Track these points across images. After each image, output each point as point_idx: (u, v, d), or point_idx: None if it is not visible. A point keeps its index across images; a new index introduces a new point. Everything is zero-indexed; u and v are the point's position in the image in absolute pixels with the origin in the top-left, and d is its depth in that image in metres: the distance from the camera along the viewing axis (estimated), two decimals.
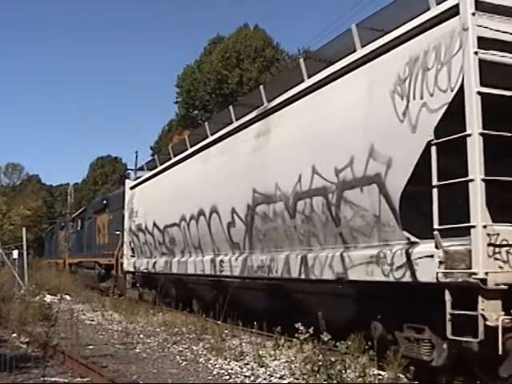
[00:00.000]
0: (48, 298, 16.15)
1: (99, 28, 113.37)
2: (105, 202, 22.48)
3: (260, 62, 41.19)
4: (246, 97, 14.22)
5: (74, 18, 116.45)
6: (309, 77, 8.51)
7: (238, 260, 10.18)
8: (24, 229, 22.41)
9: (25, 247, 21.37)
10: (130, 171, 47.12)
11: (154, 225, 14.78)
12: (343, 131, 7.27)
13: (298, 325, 6.36)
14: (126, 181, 18.69)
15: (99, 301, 16.63)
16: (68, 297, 18.79)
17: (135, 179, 18.70)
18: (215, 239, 11.27)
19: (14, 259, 22.04)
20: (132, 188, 17.78)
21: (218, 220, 10.94)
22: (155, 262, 15.00)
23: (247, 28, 43.78)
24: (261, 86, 10.41)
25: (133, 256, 17.18)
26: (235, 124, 10.89)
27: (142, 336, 10.66)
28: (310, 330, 6.29)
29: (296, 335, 6.39)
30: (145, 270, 15.89)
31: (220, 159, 11.31)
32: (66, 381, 6.99)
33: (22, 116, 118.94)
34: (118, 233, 18.32)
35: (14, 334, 10.69)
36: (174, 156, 14.50)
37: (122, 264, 18.03)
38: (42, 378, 6.76)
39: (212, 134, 12.05)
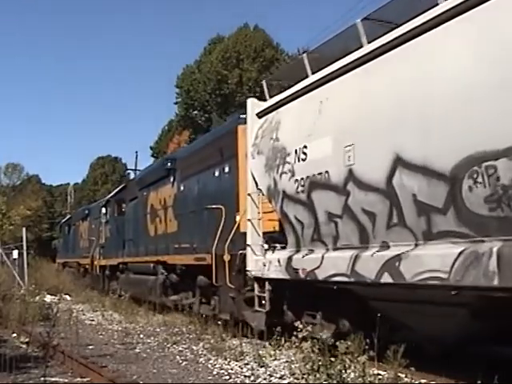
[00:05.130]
0: (48, 298, 16.16)
1: (99, 28, 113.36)
2: (169, 164, 14.05)
3: (260, 62, 41.18)
4: None
5: (73, 18, 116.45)
6: None
7: None
8: (24, 229, 22.40)
9: (25, 247, 21.37)
10: (129, 171, 47.39)
11: (400, 166, 6.12)
12: None
13: (298, 323, 6.35)
14: (249, 101, 9.86)
15: (99, 301, 16.65)
16: (68, 297, 18.82)
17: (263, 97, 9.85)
18: None
19: (14, 259, 22.04)
20: (264, 114, 9.40)
21: None
22: (398, 259, 6.13)
23: (247, 28, 43.79)
24: None
25: (272, 248, 8.88)
26: None
27: (142, 336, 10.67)
28: (309, 328, 6.27)
29: (294, 333, 6.39)
30: (341, 278, 7.02)
31: None
32: (66, 381, 7.01)
33: (22, 116, 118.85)
34: (216, 206, 10.63)
35: (14, 334, 10.70)
36: None
37: (228, 264, 9.86)
38: (42, 378, 6.77)
39: None
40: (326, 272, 7.31)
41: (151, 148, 51.56)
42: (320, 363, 5.77)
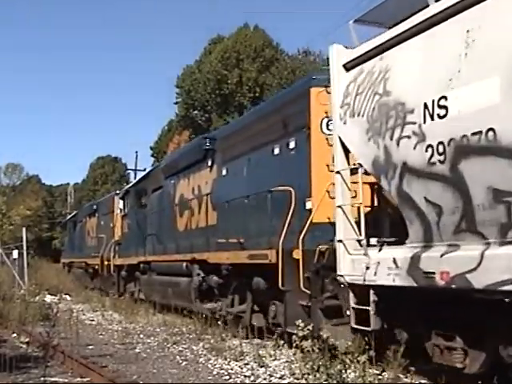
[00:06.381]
0: (48, 298, 16.16)
1: (99, 28, 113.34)
2: (208, 144, 11.83)
3: (260, 62, 41.16)
4: None
5: (73, 18, 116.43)
6: None
7: None
8: (24, 229, 22.40)
9: (25, 247, 21.37)
10: (129, 171, 47.41)
11: None
12: None
13: (298, 322, 6.32)
14: (333, 48, 7.30)
15: (99, 301, 16.65)
16: (68, 297, 18.83)
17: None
18: None
19: (14, 259, 22.03)
20: (355, 64, 7.00)
21: None
22: None
23: (247, 28, 43.77)
24: None
25: (380, 243, 6.57)
26: None
27: (142, 336, 10.67)
28: (309, 327, 6.24)
29: (295, 332, 6.36)
30: None
31: None
32: (66, 381, 7.00)
33: (22, 116, 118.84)
34: (283, 188, 8.69)
35: (14, 334, 10.70)
36: None
37: (302, 263, 7.99)
38: (42, 378, 6.77)
39: None
40: (489, 277, 5.00)
41: (151, 148, 51.59)
42: (320, 363, 5.77)
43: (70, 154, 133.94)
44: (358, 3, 21.37)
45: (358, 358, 5.70)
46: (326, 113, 7.96)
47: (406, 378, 6.03)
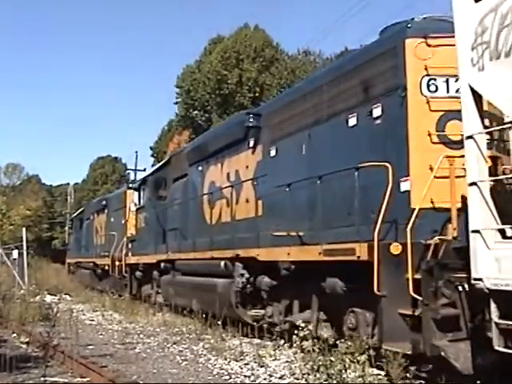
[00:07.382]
0: (48, 298, 16.16)
1: (99, 28, 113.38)
2: (252, 120, 10.33)
3: (260, 62, 41.16)
4: None
5: (73, 19, 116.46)
6: None
7: None
8: (24, 229, 22.43)
9: (25, 247, 21.38)
10: (129, 171, 47.36)
11: None
12: None
13: (299, 322, 6.33)
14: None
15: (99, 301, 16.65)
16: (68, 297, 18.82)
17: None
18: None
19: (14, 259, 22.04)
20: None
21: None
22: None
23: (247, 28, 43.78)
24: None
25: None
26: None
27: (142, 336, 10.66)
28: (310, 327, 6.23)
29: (295, 332, 6.36)
30: None
31: None
32: (66, 381, 6.99)
33: (22, 116, 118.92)
34: (380, 163, 6.78)
35: (14, 334, 10.70)
36: None
37: (410, 259, 6.09)
38: (42, 378, 6.77)
39: None
40: None
41: (151, 148, 51.62)
42: (320, 363, 5.78)
43: (70, 154, 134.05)
44: (357, 4, 21.39)
45: (358, 358, 5.70)
46: (426, 70, 6.63)
47: (406, 377, 6.04)
